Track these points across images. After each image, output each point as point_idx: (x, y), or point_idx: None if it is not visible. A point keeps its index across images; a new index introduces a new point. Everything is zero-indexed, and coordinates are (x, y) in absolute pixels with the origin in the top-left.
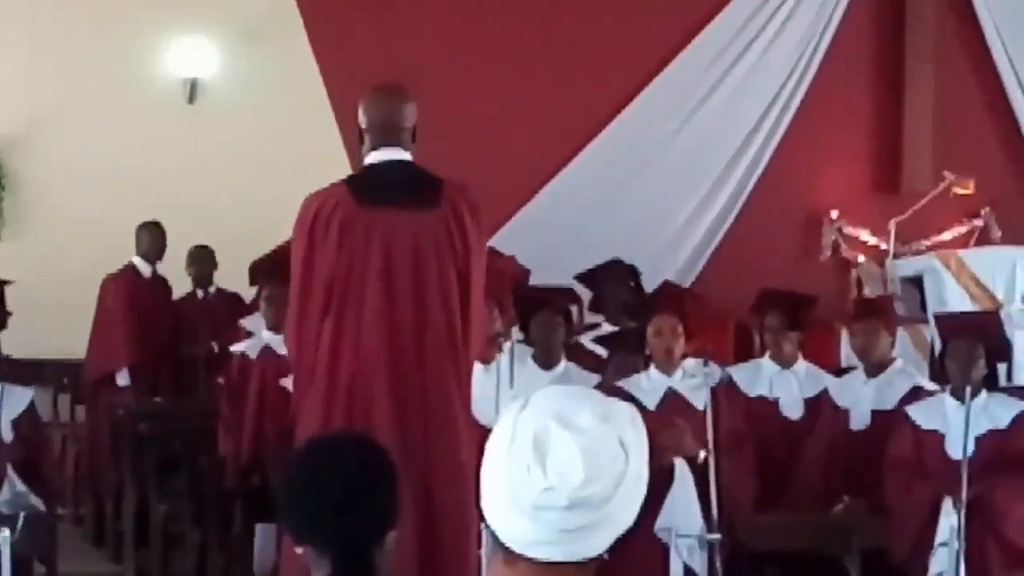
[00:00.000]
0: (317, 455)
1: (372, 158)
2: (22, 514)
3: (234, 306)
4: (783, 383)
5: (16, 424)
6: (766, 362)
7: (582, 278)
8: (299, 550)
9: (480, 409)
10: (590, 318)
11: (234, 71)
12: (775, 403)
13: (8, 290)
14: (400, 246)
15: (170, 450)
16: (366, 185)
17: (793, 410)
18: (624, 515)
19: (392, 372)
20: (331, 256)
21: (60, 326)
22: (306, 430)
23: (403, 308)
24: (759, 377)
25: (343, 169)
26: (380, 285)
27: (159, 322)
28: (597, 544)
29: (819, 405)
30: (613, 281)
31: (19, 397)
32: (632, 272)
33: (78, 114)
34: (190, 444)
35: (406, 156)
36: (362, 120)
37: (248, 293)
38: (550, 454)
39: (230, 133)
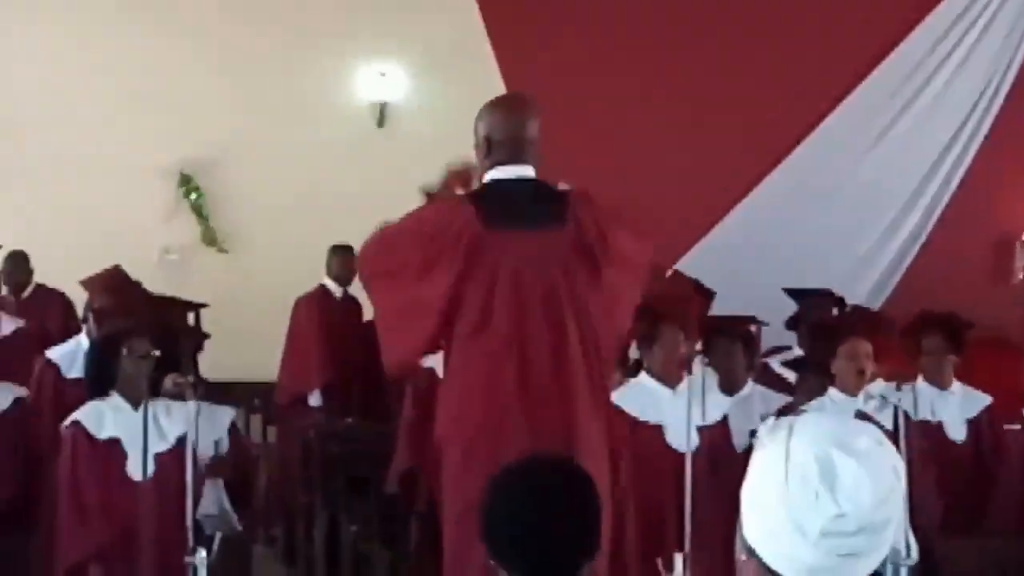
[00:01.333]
0: (524, 478)
1: (497, 173)
2: (218, 535)
3: None
4: (944, 405)
5: (218, 443)
6: (923, 385)
7: (791, 292)
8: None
9: (671, 432)
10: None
11: (423, 95)
12: (939, 426)
13: (203, 311)
14: (530, 270)
15: (360, 471)
16: (493, 205)
17: (957, 432)
18: (891, 538)
19: (528, 406)
20: (454, 279)
21: (253, 347)
22: (453, 456)
23: (537, 336)
24: (920, 400)
25: None
26: (511, 313)
27: (350, 343)
28: (867, 568)
29: (980, 426)
30: (816, 308)
31: (220, 417)
32: (839, 304)
33: (271, 138)
34: (381, 465)
35: (531, 172)
36: (487, 131)
37: None
38: (839, 480)
39: (419, 156)
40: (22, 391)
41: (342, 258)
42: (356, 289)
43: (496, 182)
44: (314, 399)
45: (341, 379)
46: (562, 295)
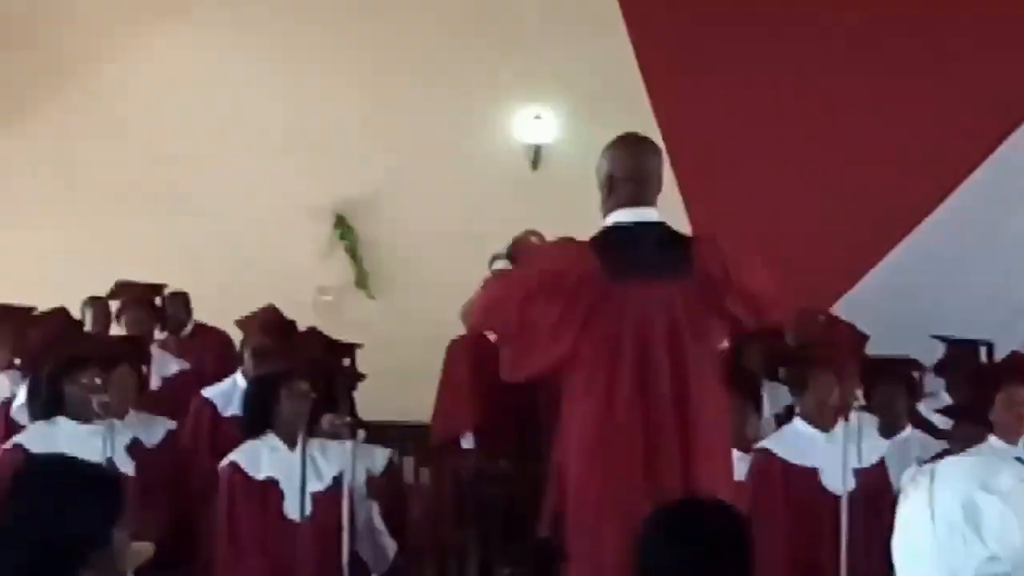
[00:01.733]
0: (678, 517)
1: (620, 217)
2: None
3: None
4: None
5: (373, 482)
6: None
7: (941, 339)
8: None
9: (827, 475)
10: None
11: (577, 138)
12: None
13: (359, 352)
14: (654, 324)
15: (514, 513)
16: (617, 255)
17: None
18: None
19: (650, 466)
20: (573, 330)
21: (405, 389)
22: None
23: (660, 394)
24: None
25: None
26: (633, 370)
27: (505, 385)
28: None
29: None
30: (965, 355)
31: (377, 458)
32: (989, 352)
33: (426, 180)
34: (534, 507)
35: (654, 215)
36: (609, 170)
37: None
38: (984, 521)
39: (572, 199)
40: (172, 424)
41: None
42: None
43: (618, 227)
44: (467, 441)
45: (494, 421)
46: (687, 349)
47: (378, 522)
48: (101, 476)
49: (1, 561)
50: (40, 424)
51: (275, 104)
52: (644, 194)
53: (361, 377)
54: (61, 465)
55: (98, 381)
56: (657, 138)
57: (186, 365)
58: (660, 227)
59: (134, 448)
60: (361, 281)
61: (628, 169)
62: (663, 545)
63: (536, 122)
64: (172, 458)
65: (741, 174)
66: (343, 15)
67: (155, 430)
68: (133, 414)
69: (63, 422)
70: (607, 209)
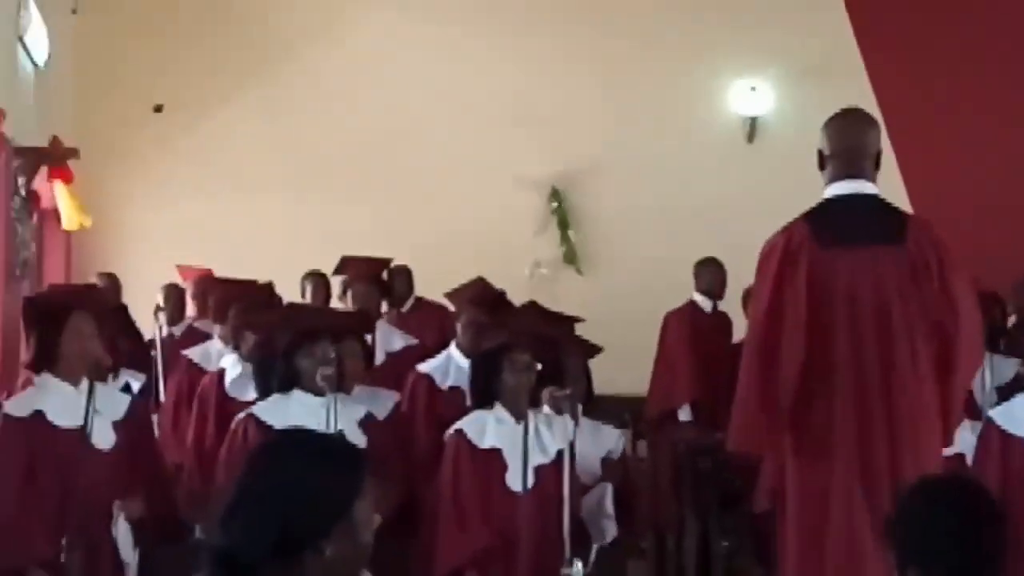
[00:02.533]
0: (935, 489)
1: (834, 190)
2: (595, 547)
3: None
4: None
5: (611, 466)
6: None
7: None
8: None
9: None
10: None
11: (792, 110)
12: None
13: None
14: (864, 288)
15: (732, 485)
16: (829, 224)
17: None
18: None
19: (860, 422)
20: (800, 298)
21: (624, 361)
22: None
23: (868, 357)
24: None
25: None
26: (846, 333)
27: (720, 358)
28: None
29: None
30: None
31: (605, 436)
32: None
33: (640, 153)
34: (752, 479)
35: (870, 188)
36: (822, 146)
37: None
38: None
39: (787, 171)
40: (397, 397)
41: (712, 272)
42: (726, 305)
43: (832, 200)
44: (683, 413)
45: (710, 393)
46: (895, 313)
47: (609, 506)
48: (347, 448)
49: (247, 532)
50: (276, 396)
51: (495, 78)
52: (856, 167)
53: (597, 350)
54: (308, 437)
55: (330, 355)
56: (875, 111)
57: (412, 340)
58: (874, 198)
59: (367, 422)
60: (569, 257)
61: (840, 144)
62: (927, 518)
63: (752, 94)
64: (397, 432)
65: (958, 141)
66: None
67: (383, 403)
68: (360, 388)
69: (297, 394)
70: (825, 184)
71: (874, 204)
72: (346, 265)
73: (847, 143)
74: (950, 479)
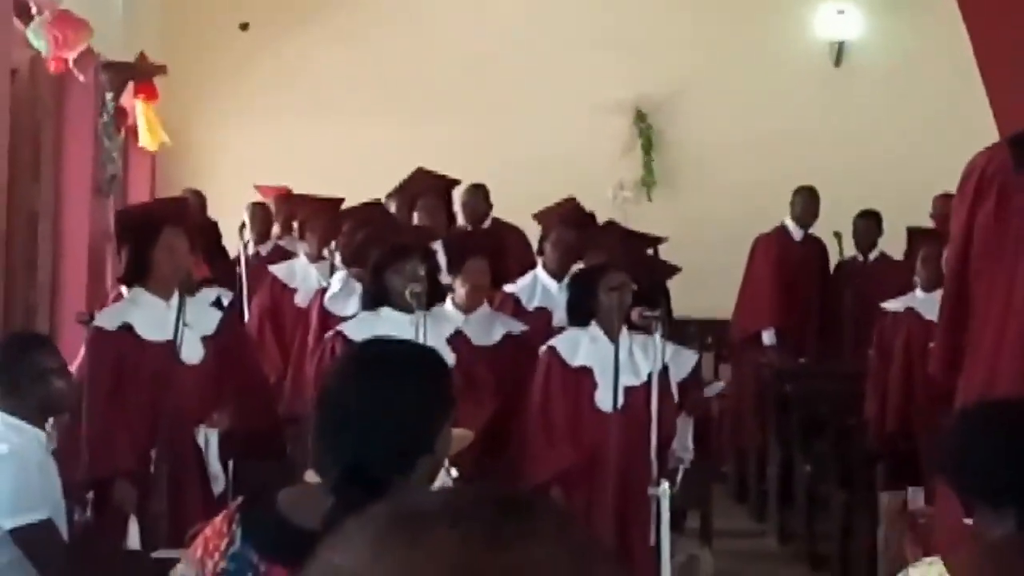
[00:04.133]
0: (988, 415)
1: None
2: (681, 467)
3: (890, 270)
4: None
5: (693, 400)
6: None
7: None
8: (968, 520)
9: None
10: None
11: (881, 34)
12: None
13: (660, 249)
14: None
15: (815, 411)
16: None
17: None
18: None
19: None
20: (989, 222)
21: (706, 286)
22: (970, 392)
23: None
24: None
25: (992, 137)
26: None
27: (808, 284)
28: None
29: None
30: None
31: (686, 360)
32: None
33: (725, 77)
34: (836, 406)
35: None
36: None
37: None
38: None
39: (876, 96)
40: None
41: (806, 199)
42: (817, 229)
43: None
44: (768, 338)
45: (796, 319)
46: None
47: (689, 440)
48: (437, 360)
49: (372, 447)
50: (364, 314)
51: (579, 1)
52: None
53: (676, 269)
54: (400, 349)
55: (420, 272)
56: (963, 34)
57: None
58: None
59: (456, 340)
60: (648, 181)
61: None
62: (980, 437)
63: (839, 17)
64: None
65: None
66: None
67: (496, 330)
68: (487, 312)
69: (386, 312)
70: None
71: None
72: (416, 178)
73: None
74: (1003, 402)
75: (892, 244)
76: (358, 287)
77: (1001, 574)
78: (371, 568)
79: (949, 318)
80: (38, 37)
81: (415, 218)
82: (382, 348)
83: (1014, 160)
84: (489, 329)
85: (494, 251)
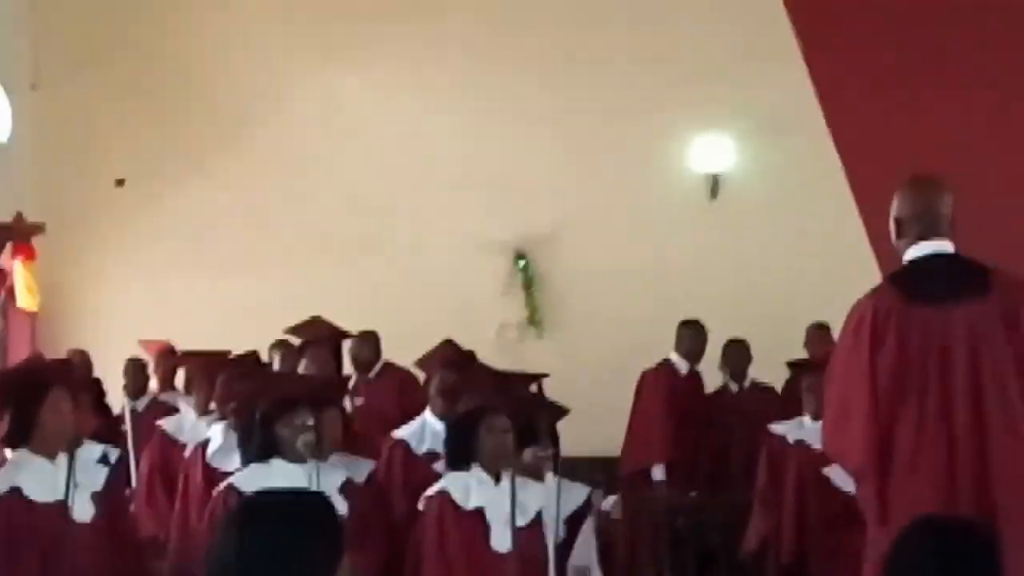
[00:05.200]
0: (932, 539)
1: (914, 252)
2: None
3: (769, 399)
4: None
5: (602, 522)
6: None
7: None
8: None
9: None
10: None
11: (754, 164)
12: None
13: (548, 387)
14: (956, 343)
15: (708, 544)
16: (914, 283)
17: None
18: None
19: (949, 478)
20: (888, 361)
21: (594, 422)
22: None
23: (961, 409)
24: None
25: (868, 266)
26: (939, 387)
27: (695, 418)
28: None
29: None
30: None
31: (576, 494)
32: None
33: (603, 213)
34: (729, 538)
35: (949, 247)
36: (898, 212)
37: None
38: None
39: (751, 227)
40: (372, 464)
41: (693, 333)
42: (702, 364)
43: (913, 261)
44: (658, 473)
45: (685, 453)
46: (986, 366)
47: (594, 553)
48: (327, 511)
49: None
50: (255, 466)
51: (458, 142)
52: (933, 229)
53: (564, 411)
54: (287, 500)
55: (309, 422)
56: (837, 163)
57: (359, 401)
58: (955, 256)
59: (347, 488)
60: (533, 319)
61: (916, 211)
62: (915, 564)
63: (713, 150)
64: (375, 499)
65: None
66: (522, 55)
67: (360, 470)
68: (337, 455)
69: (278, 463)
70: (901, 250)
71: (955, 261)
72: (303, 326)
73: (922, 206)
74: (943, 520)
75: (767, 373)
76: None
77: None
78: None
79: (875, 465)
80: None
81: (303, 366)
82: (269, 498)
83: (903, 295)
84: (354, 472)
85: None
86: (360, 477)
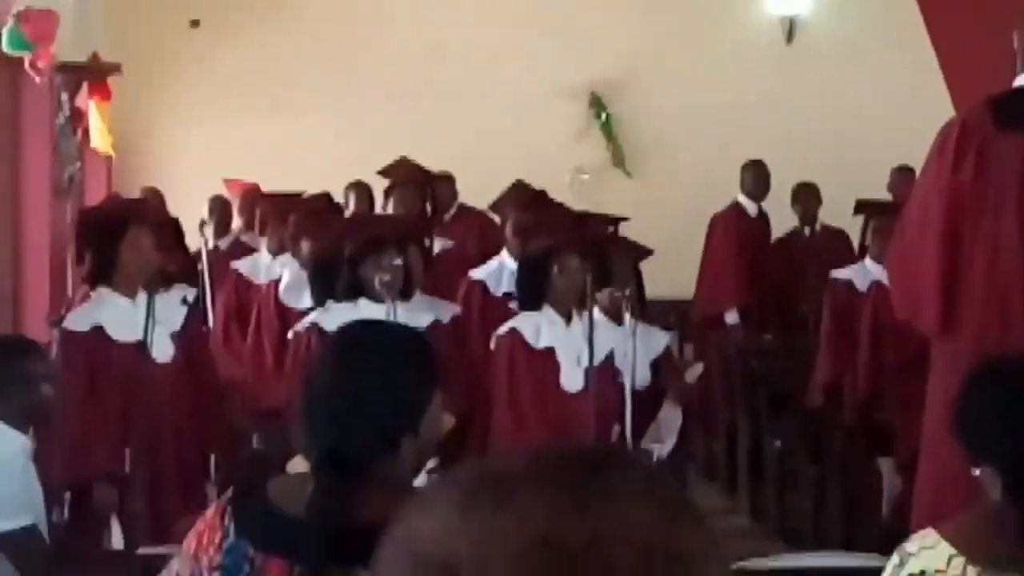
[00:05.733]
0: (1001, 372)
1: (1020, 80)
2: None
3: (839, 242)
4: None
5: (676, 385)
6: None
7: None
8: (976, 471)
9: None
10: None
11: (831, 10)
12: None
13: (621, 228)
14: None
15: (782, 387)
16: (1008, 109)
17: None
18: None
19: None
20: (968, 178)
21: (668, 265)
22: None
23: None
24: None
25: (946, 113)
26: (1013, 215)
27: (765, 259)
28: None
29: None
30: None
31: (657, 340)
32: None
33: (678, 56)
34: (802, 382)
35: None
36: (1015, 41)
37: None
38: None
39: (827, 72)
40: (456, 309)
41: (755, 173)
42: (768, 205)
43: (1015, 89)
44: (731, 317)
45: (757, 295)
46: None
47: (675, 431)
48: (421, 340)
49: (354, 432)
50: (339, 305)
51: None
52: None
53: (647, 252)
54: (383, 330)
55: (397, 262)
56: (915, 11)
57: (448, 244)
58: None
59: (432, 328)
60: (618, 159)
61: None
62: (988, 394)
63: None
64: (458, 340)
65: (999, 48)
66: None
67: (444, 312)
68: (420, 297)
69: (362, 303)
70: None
71: None
72: (392, 168)
73: None
74: (1012, 356)
75: (839, 217)
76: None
77: (998, 535)
78: (456, 532)
79: (942, 274)
80: (15, 40)
81: (390, 206)
82: (363, 330)
83: (994, 119)
84: (437, 314)
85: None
86: (444, 319)
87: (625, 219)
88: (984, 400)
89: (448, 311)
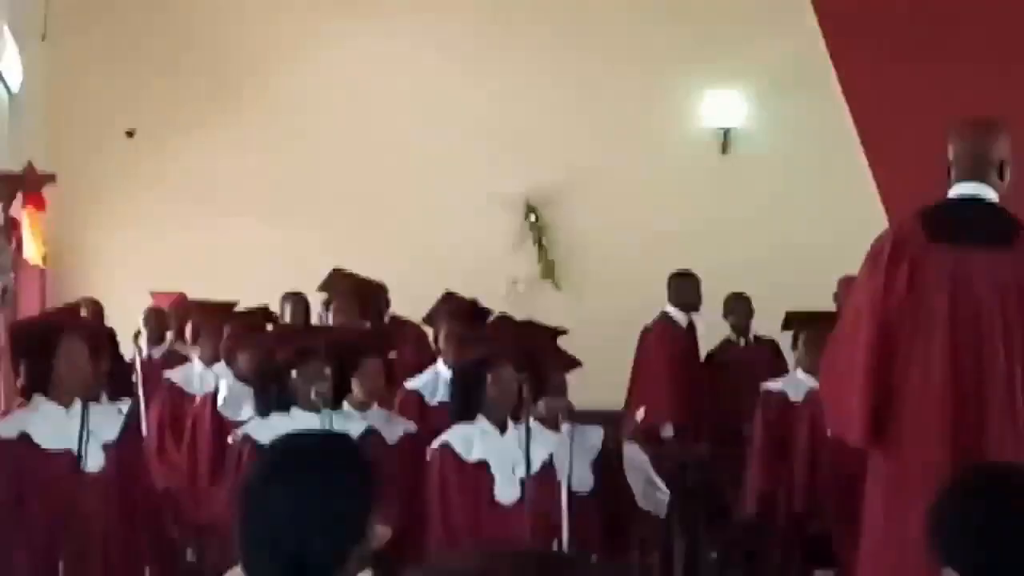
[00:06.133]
0: (983, 479)
1: (953, 192)
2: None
3: (771, 353)
4: None
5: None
6: None
7: None
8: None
9: None
10: None
11: (767, 120)
12: None
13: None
14: (967, 287)
15: (718, 499)
16: (939, 221)
17: None
18: None
19: (953, 419)
20: (902, 293)
21: (599, 377)
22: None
23: (965, 355)
24: None
25: (880, 221)
26: (944, 329)
27: (698, 370)
28: None
29: None
30: None
31: (591, 437)
32: None
33: (614, 167)
34: (738, 492)
35: (989, 194)
36: (948, 152)
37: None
38: None
39: (761, 182)
40: (412, 427)
41: (683, 283)
42: (701, 315)
43: (947, 200)
44: (666, 430)
45: (691, 407)
46: (995, 316)
47: (655, 477)
48: (354, 449)
49: (272, 549)
50: (271, 416)
51: (466, 95)
52: (977, 173)
53: (576, 363)
54: (314, 440)
55: (326, 372)
56: (848, 121)
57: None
58: (991, 205)
59: (368, 440)
60: (547, 272)
61: (961, 152)
62: (966, 507)
63: (725, 105)
64: (402, 460)
65: (932, 154)
66: (535, 9)
67: (395, 429)
68: (377, 410)
69: (294, 412)
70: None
71: (988, 208)
72: (333, 279)
73: (965, 148)
74: (994, 467)
75: (773, 328)
76: (248, 391)
77: None
78: None
79: (868, 387)
80: None
81: (329, 318)
82: (300, 443)
83: (926, 231)
84: (389, 428)
85: (389, 349)
86: (392, 436)
87: (564, 331)
88: (963, 509)
89: (398, 429)
